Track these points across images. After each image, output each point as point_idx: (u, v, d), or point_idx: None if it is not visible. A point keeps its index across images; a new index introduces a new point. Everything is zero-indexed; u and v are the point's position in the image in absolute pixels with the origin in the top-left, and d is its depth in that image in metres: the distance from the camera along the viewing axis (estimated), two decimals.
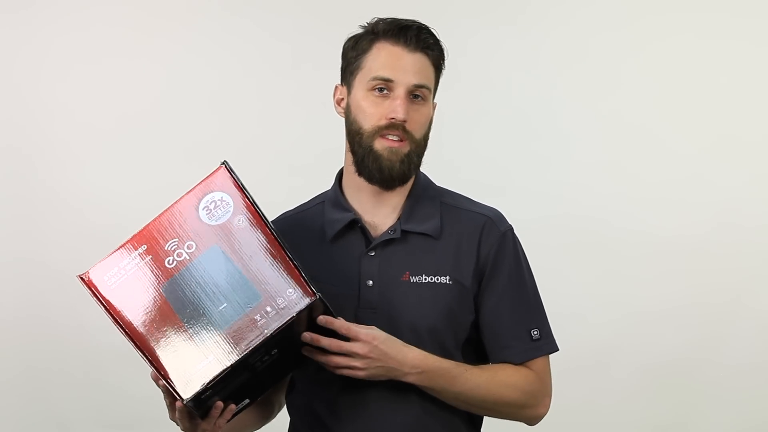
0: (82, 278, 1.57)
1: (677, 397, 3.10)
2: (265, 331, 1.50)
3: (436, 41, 1.70)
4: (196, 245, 1.55)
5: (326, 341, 1.56)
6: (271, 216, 1.80)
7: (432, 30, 1.71)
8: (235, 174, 1.59)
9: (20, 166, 3.16)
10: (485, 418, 1.79)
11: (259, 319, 1.51)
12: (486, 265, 1.70)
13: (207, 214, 1.56)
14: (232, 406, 1.56)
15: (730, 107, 3.10)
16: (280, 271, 1.53)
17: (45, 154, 3.16)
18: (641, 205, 3.11)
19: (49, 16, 3.16)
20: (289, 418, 1.81)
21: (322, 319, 1.55)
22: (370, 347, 1.58)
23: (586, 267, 3.11)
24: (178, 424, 1.56)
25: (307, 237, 1.73)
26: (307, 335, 1.56)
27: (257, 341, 1.50)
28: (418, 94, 1.67)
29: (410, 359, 1.61)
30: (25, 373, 3.15)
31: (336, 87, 1.76)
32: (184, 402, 1.49)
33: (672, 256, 3.09)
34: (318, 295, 1.52)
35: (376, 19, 1.71)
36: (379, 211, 1.73)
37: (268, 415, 1.83)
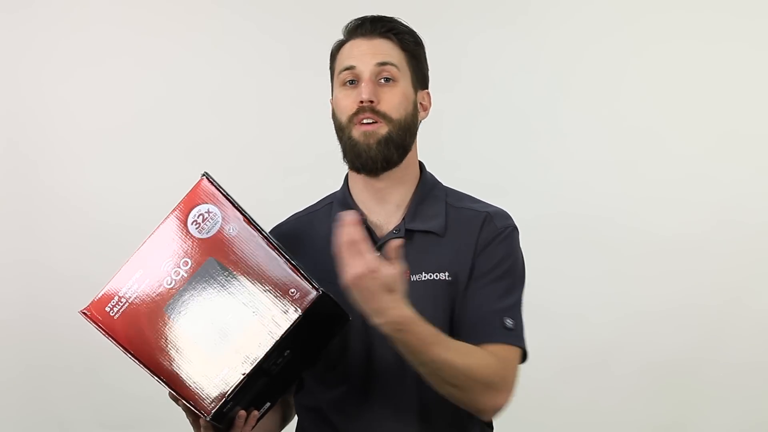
0: (84, 313, 1.58)
1: (678, 397, 3.10)
2: (274, 334, 1.50)
3: (396, 26, 1.73)
4: (192, 261, 1.55)
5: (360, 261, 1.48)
6: (279, 218, 1.81)
7: (394, 18, 1.74)
8: (217, 184, 1.58)
9: (21, 166, 3.16)
10: (497, 421, 1.78)
11: (267, 324, 1.50)
12: (479, 255, 1.69)
13: (197, 228, 1.56)
14: (255, 413, 1.56)
15: (730, 107, 3.10)
16: (280, 273, 1.52)
17: (46, 153, 3.17)
18: (642, 204, 3.11)
19: (50, 17, 3.17)
20: (294, 420, 1.81)
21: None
22: (371, 281, 1.48)
23: (587, 266, 3.10)
24: None
25: (316, 237, 1.73)
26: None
27: (269, 346, 1.50)
28: (387, 76, 1.69)
29: (395, 313, 1.50)
30: (25, 373, 3.15)
31: (330, 101, 1.78)
32: (208, 419, 1.49)
33: (672, 256, 3.09)
34: (321, 290, 1.51)
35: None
36: (384, 210, 1.73)
37: (288, 416, 1.83)
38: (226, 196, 1.56)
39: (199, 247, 1.54)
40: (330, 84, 1.78)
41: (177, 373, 1.51)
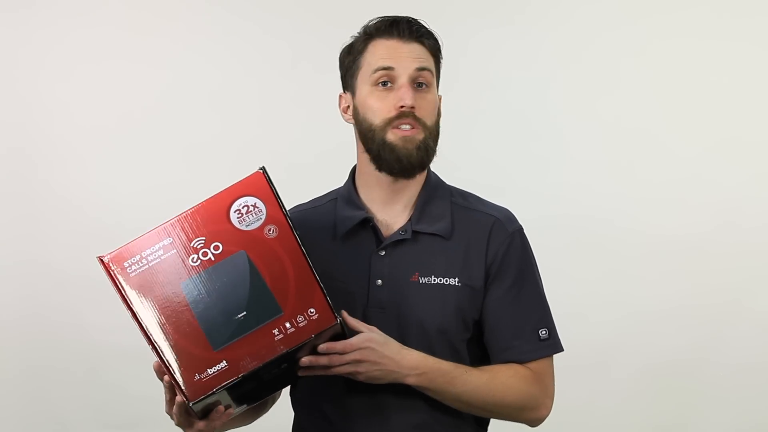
0: (101, 260, 1.52)
1: (677, 397, 3.10)
2: (282, 347, 1.49)
3: (429, 31, 1.71)
4: (223, 247, 1.51)
5: (325, 360, 1.56)
6: None
7: (422, 21, 1.72)
8: (271, 182, 1.54)
9: (21, 166, 3.17)
10: (491, 420, 1.79)
11: (277, 333, 1.49)
12: (493, 265, 1.70)
13: (238, 218, 1.52)
14: (231, 411, 1.56)
15: (729, 107, 3.10)
16: (305, 289, 1.50)
17: (46, 153, 3.17)
18: (641, 205, 3.11)
19: (50, 17, 3.17)
20: (290, 415, 1.80)
21: (324, 347, 1.54)
22: (366, 352, 1.57)
23: (586, 267, 3.11)
24: (172, 418, 1.56)
25: (319, 233, 1.73)
26: (306, 360, 1.55)
27: (272, 356, 1.49)
28: (422, 81, 1.68)
29: (408, 361, 1.61)
30: (25, 373, 3.15)
31: (340, 96, 1.76)
32: (190, 404, 1.48)
33: (672, 256, 3.09)
34: (338, 319, 1.51)
35: (365, 25, 1.73)
36: (391, 209, 1.73)
37: (261, 411, 1.83)
38: (276, 197, 1.53)
39: (234, 236, 1.51)
40: (344, 79, 1.75)
41: (173, 350, 1.49)
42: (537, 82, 3.14)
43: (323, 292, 1.51)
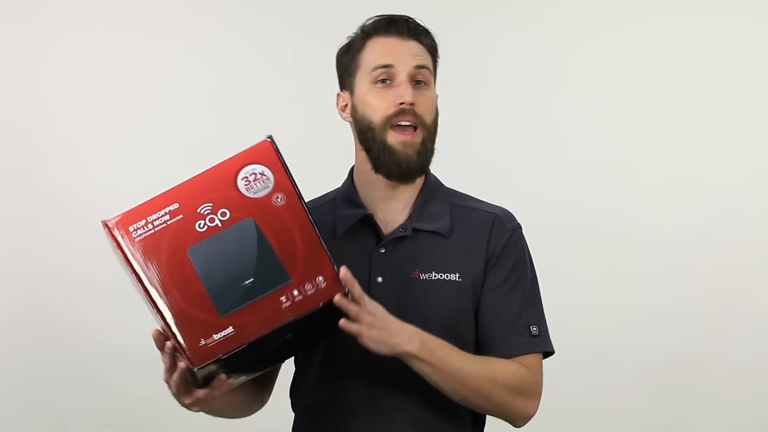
0: (106, 224, 1.51)
1: (678, 397, 3.10)
2: (289, 314, 1.47)
3: (426, 29, 1.72)
4: (231, 214, 1.50)
5: (354, 309, 1.52)
6: None
7: (419, 20, 1.73)
8: (279, 151, 1.54)
9: (20, 166, 3.17)
10: (495, 421, 1.78)
11: (284, 301, 1.48)
12: (492, 258, 1.71)
13: (245, 185, 1.51)
14: (231, 381, 1.54)
15: (729, 107, 3.10)
16: (313, 258, 1.49)
17: (45, 153, 3.17)
18: (641, 205, 3.11)
19: (50, 16, 3.17)
20: (290, 416, 1.80)
21: (340, 301, 1.51)
22: (377, 310, 1.55)
23: (586, 267, 3.11)
24: (169, 387, 1.53)
25: (319, 233, 1.73)
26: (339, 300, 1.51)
27: (279, 323, 1.47)
28: (421, 79, 1.69)
29: (407, 328, 1.58)
30: (25, 373, 3.15)
31: (337, 95, 1.77)
32: (195, 369, 1.46)
33: (672, 256, 3.09)
34: (346, 288, 1.50)
35: (362, 24, 1.73)
36: (391, 208, 1.74)
37: (255, 403, 1.81)
38: (284, 166, 1.53)
39: (242, 203, 1.50)
40: (341, 78, 1.76)
41: (177, 316, 1.46)
42: (537, 81, 3.15)
43: (331, 261, 1.50)
